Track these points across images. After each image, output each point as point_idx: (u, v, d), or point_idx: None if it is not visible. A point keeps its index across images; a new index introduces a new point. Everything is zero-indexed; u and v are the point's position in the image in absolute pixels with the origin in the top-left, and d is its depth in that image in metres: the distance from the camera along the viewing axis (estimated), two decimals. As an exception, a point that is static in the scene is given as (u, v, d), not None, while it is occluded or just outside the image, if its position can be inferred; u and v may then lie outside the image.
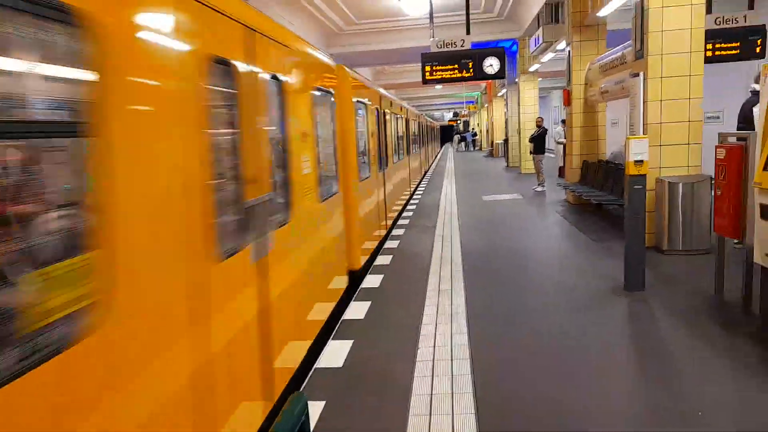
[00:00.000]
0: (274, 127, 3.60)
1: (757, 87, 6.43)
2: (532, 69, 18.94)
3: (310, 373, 4.07)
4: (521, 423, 3.28)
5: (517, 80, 20.35)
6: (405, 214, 11.69)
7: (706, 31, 7.62)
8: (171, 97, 2.27)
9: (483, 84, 33.94)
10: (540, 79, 21.37)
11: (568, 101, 11.81)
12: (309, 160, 4.38)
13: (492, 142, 32.58)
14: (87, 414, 1.68)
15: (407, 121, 15.00)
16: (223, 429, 2.59)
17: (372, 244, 7.73)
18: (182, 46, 2.36)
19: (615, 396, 3.57)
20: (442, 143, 57.12)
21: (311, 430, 3.14)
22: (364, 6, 15.96)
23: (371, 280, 6.49)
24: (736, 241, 5.73)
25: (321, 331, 4.67)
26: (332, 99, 5.69)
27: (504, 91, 24.71)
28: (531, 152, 15.15)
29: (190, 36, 2.42)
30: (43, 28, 1.61)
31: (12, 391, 1.40)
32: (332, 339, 4.71)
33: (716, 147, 5.36)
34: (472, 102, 46.17)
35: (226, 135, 2.85)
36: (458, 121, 57.32)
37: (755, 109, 5.61)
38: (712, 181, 5.90)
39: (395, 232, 9.60)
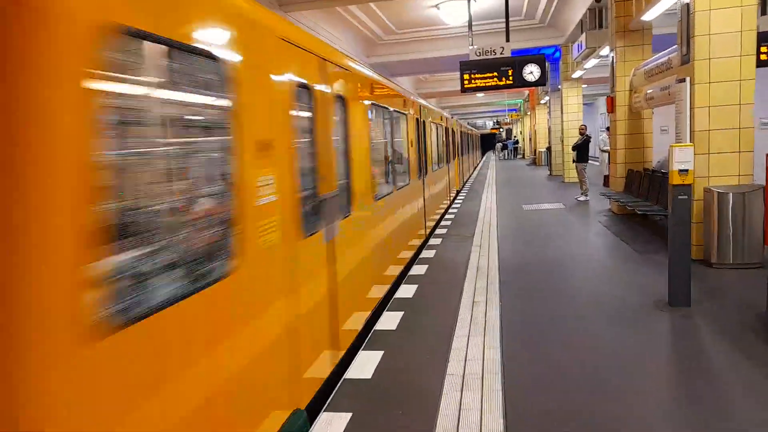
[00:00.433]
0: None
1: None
2: (575, 75, 18.55)
3: (339, 383, 4.04)
4: (552, 443, 3.16)
5: (560, 87, 19.98)
6: (443, 223, 11.58)
7: (760, 33, 7.27)
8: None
9: (526, 91, 33.50)
10: (585, 85, 20.95)
11: (611, 108, 11.49)
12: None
13: (535, 151, 32.06)
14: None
15: (445, 130, 14.90)
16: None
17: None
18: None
19: (652, 419, 3.40)
20: (484, 151, 56.67)
21: None
22: (403, 15, 16.02)
23: (405, 290, 6.44)
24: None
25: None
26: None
27: (547, 98, 24.29)
28: (574, 161, 14.79)
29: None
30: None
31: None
32: (363, 349, 4.68)
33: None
34: (515, 110, 45.62)
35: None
36: (500, 129, 56.79)
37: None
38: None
39: (432, 241, 9.51)
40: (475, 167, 33.54)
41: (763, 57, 8.84)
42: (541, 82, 10.21)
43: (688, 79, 7.18)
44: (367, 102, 5.54)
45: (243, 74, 2.71)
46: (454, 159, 17.11)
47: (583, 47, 14.44)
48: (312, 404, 3.57)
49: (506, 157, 44.96)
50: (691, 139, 7.13)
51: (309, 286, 3.59)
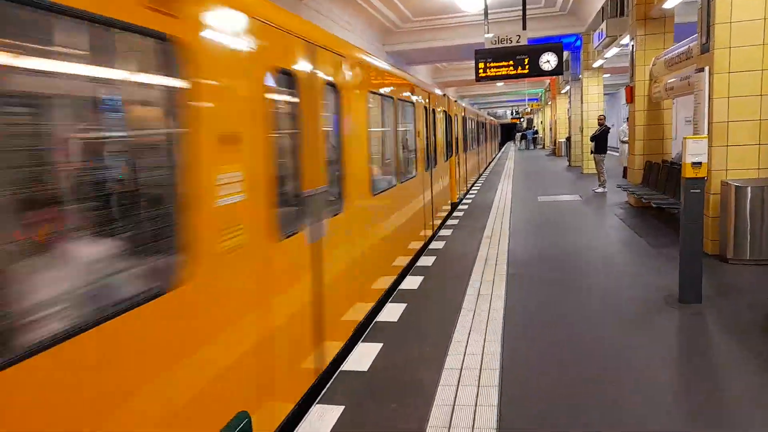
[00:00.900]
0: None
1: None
2: (595, 65, 18.18)
3: (335, 375, 4.01)
4: (545, 442, 3.09)
5: (580, 77, 19.60)
6: (456, 213, 11.47)
7: (783, 22, 6.99)
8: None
9: (547, 81, 32.96)
10: (608, 75, 20.47)
11: (630, 98, 11.22)
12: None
13: (554, 141, 31.60)
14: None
15: (462, 119, 14.67)
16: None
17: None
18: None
19: (654, 420, 3.30)
20: (504, 141, 56.09)
21: None
22: (419, 3, 15.81)
23: (410, 282, 6.38)
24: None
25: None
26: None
27: (568, 87, 23.87)
28: (592, 151, 14.52)
29: None
30: None
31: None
32: (362, 341, 4.64)
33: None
34: (536, 99, 44.99)
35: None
36: (521, 119, 56.17)
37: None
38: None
39: (442, 232, 9.43)
40: (494, 157, 33.17)
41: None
42: (558, 71, 9.96)
43: (707, 68, 6.94)
44: (361, 88, 5.06)
45: (198, 57, 2.35)
46: (471, 149, 16.82)
47: (604, 36, 14.12)
48: (305, 396, 3.55)
49: (526, 147, 44.55)
50: (709, 131, 6.91)
51: (286, 295, 3.23)
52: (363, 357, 4.32)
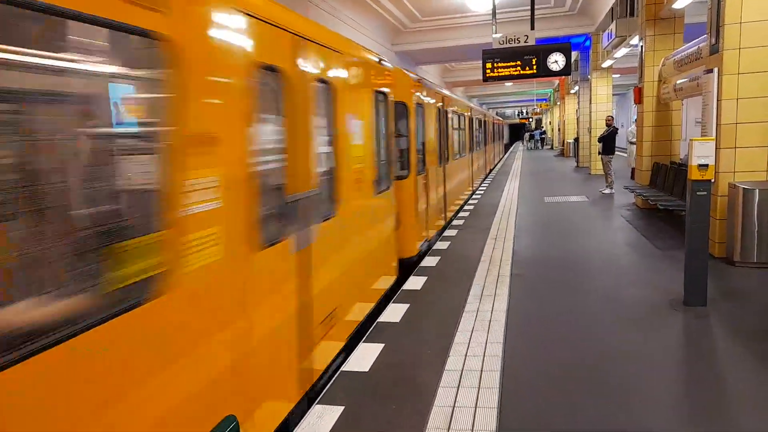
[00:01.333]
0: None
1: None
2: (604, 65, 18.05)
3: (335, 376, 4.01)
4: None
5: (589, 77, 19.48)
6: (461, 214, 11.45)
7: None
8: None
9: (556, 81, 32.79)
10: (618, 75, 20.31)
11: (639, 99, 11.14)
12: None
13: (563, 141, 31.45)
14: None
15: (467, 119, 14.60)
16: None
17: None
18: None
19: (655, 426, 3.27)
20: (512, 141, 55.90)
21: None
22: (428, 2, 15.77)
23: (414, 282, 6.37)
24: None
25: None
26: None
27: (576, 88, 23.73)
28: (599, 152, 14.44)
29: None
30: None
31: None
32: (363, 342, 4.64)
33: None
34: (545, 100, 44.80)
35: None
36: (530, 119, 56.02)
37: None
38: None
39: (447, 232, 9.40)
40: (501, 157, 33.01)
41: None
42: (566, 71, 9.90)
43: (715, 69, 6.88)
44: (357, 85, 4.78)
45: (175, 51, 2.19)
46: (477, 149, 16.64)
47: (613, 36, 14.01)
48: (306, 395, 3.55)
49: (534, 147, 44.46)
50: (718, 133, 6.84)
51: (266, 308, 2.98)
52: (364, 357, 4.32)
